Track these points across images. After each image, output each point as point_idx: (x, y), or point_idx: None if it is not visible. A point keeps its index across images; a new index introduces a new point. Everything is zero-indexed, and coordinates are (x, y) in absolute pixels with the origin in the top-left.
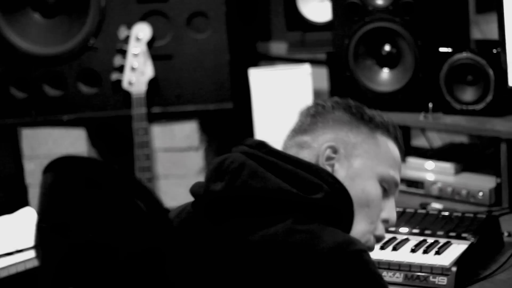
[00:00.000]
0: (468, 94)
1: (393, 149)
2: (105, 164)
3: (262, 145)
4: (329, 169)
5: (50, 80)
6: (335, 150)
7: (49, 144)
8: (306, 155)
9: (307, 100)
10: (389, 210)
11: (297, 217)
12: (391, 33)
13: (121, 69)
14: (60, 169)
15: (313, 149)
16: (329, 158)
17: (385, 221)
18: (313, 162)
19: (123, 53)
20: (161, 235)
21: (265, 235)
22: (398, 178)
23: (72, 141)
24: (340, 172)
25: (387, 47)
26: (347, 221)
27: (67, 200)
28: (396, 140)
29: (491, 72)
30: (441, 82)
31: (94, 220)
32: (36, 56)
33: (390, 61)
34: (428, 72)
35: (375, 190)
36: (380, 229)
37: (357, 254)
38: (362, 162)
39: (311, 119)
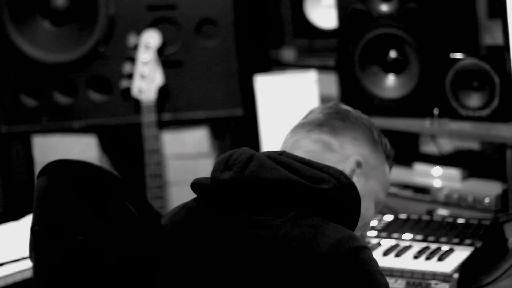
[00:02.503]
0: (474, 100)
1: (389, 178)
2: (98, 168)
3: (281, 152)
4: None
5: (60, 87)
6: (359, 165)
7: (60, 151)
8: (330, 158)
9: (313, 106)
10: None
11: (300, 211)
12: (396, 39)
13: (131, 76)
14: (53, 173)
15: (339, 156)
16: (352, 171)
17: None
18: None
19: (133, 60)
20: (152, 239)
21: (268, 228)
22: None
23: (83, 148)
24: (360, 184)
25: (392, 53)
26: (354, 216)
27: (60, 203)
28: (391, 169)
29: (496, 77)
30: (447, 88)
31: (86, 224)
32: (46, 63)
33: (395, 67)
34: (434, 78)
35: (372, 212)
36: None
37: (359, 250)
38: (373, 185)
39: (341, 123)
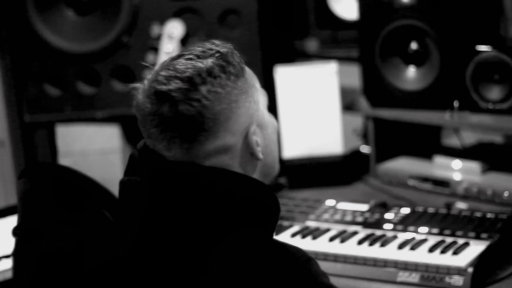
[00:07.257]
0: (495, 93)
1: (251, 71)
2: (76, 173)
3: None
4: (258, 152)
5: (84, 77)
6: (255, 133)
7: (83, 141)
8: (229, 162)
9: (333, 98)
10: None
11: (231, 238)
12: (417, 31)
13: (154, 66)
14: (33, 176)
15: (235, 148)
16: (256, 144)
17: None
18: (240, 161)
19: (156, 50)
20: (127, 245)
21: (211, 258)
22: None
23: (106, 138)
24: (262, 141)
25: (413, 45)
26: (275, 214)
27: (38, 207)
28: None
29: None
30: (467, 81)
31: (64, 229)
32: (70, 53)
33: (416, 59)
34: (455, 70)
35: (273, 120)
36: None
37: (306, 262)
38: (262, 110)
39: (213, 117)
